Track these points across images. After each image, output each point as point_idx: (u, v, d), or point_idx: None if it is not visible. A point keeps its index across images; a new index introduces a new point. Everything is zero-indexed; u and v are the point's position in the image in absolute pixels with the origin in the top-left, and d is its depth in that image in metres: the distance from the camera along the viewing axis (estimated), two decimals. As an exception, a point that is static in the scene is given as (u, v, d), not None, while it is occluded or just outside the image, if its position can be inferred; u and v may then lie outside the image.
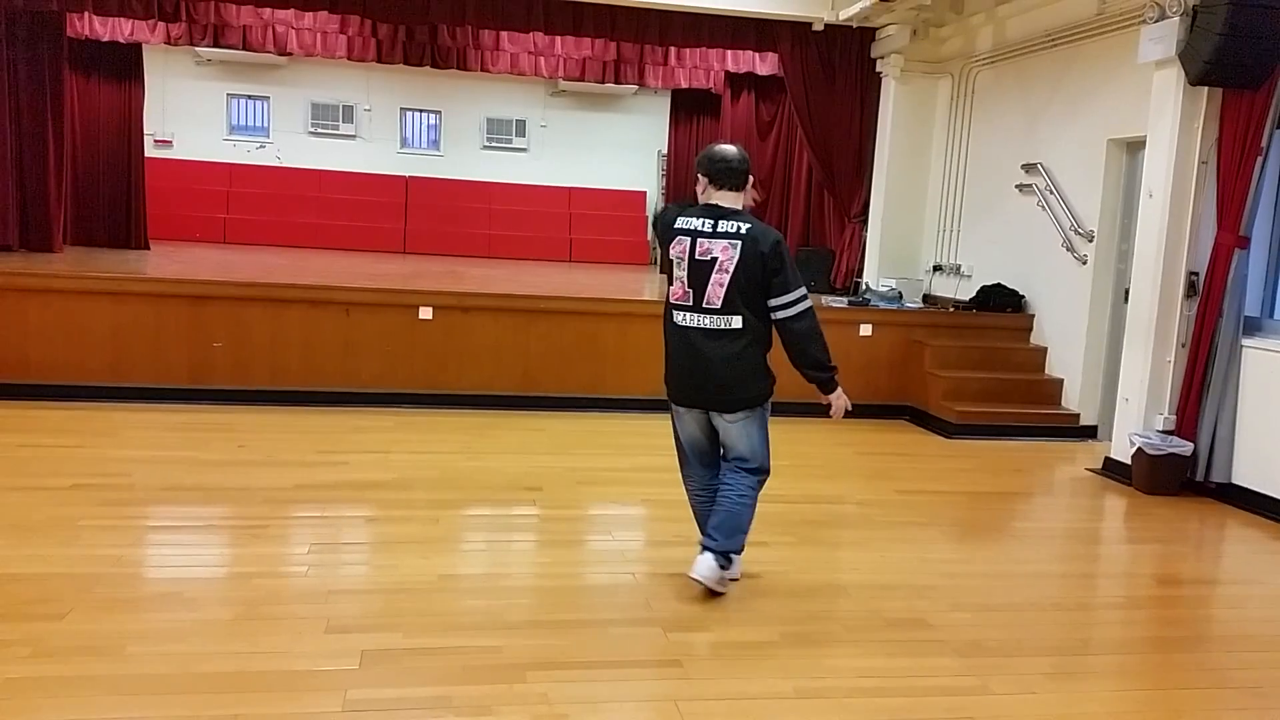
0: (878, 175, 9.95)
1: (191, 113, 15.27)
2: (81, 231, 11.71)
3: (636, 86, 13.81)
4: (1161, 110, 6.41)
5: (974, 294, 8.79)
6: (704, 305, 3.91)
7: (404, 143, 16.37)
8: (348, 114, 15.92)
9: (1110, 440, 7.05)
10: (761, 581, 4.27)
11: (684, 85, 12.81)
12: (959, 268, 9.44)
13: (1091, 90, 7.77)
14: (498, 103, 16.21)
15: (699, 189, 4.05)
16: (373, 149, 16.02)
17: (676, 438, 4.23)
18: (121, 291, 7.47)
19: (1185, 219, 6.35)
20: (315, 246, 14.56)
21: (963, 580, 4.57)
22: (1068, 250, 7.91)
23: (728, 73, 12.24)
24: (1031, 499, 6.56)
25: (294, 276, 9.13)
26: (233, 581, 4.14)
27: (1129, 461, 6.50)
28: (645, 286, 10.45)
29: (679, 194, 13.44)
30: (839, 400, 4.10)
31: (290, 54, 11.94)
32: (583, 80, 12.45)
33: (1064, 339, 8.07)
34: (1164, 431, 6.41)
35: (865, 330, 8.38)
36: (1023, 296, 8.53)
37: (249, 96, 15.69)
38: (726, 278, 3.86)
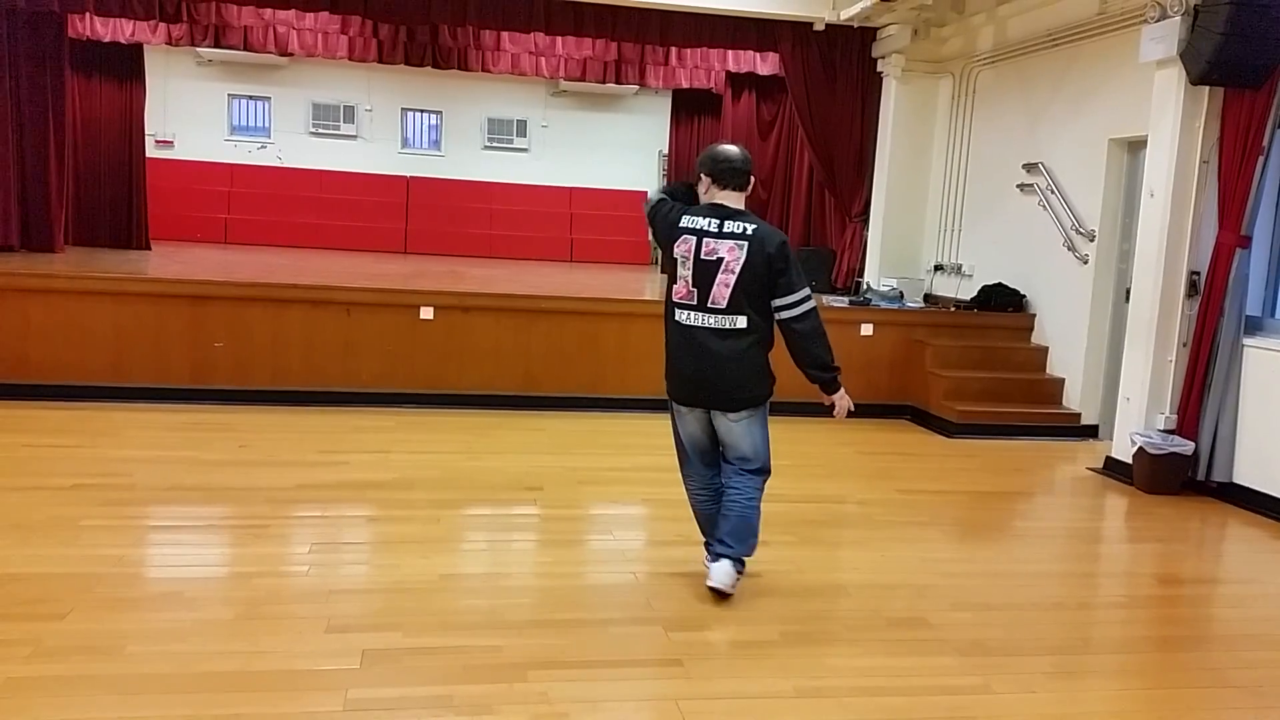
0: (879, 175, 9.95)
1: (193, 113, 15.28)
2: (83, 232, 11.72)
3: (637, 86, 13.81)
4: (1163, 110, 6.41)
5: (975, 293, 8.79)
6: (709, 305, 3.90)
7: (405, 143, 16.38)
8: (349, 114, 15.92)
9: (1111, 440, 7.05)
10: (762, 581, 4.27)
11: (685, 85, 12.82)
12: (960, 267, 9.44)
13: (1093, 90, 7.77)
14: (499, 103, 16.22)
15: (701, 189, 4.04)
16: (374, 149, 16.03)
17: (677, 437, 4.22)
18: (123, 292, 7.48)
19: (1186, 219, 6.35)
20: (316, 247, 14.56)
21: (964, 579, 4.57)
22: (1069, 250, 7.91)
23: (729, 72, 12.24)
24: (1032, 498, 6.56)
25: (295, 277, 9.12)
26: (233, 581, 4.14)
27: (1130, 461, 6.50)
28: (646, 286, 10.45)
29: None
30: (842, 400, 4.09)
31: (291, 54, 11.95)
32: (584, 80, 12.46)
33: (1065, 338, 8.07)
34: (1165, 431, 6.41)
35: (866, 330, 8.38)
36: (1024, 296, 8.52)
37: (250, 97, 15.70)
38: (732, 278, 3.85)
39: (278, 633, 3.55)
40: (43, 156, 10.29)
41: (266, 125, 15.82)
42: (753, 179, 4.09)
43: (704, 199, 4.02)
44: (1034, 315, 8.46)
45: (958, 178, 9.59)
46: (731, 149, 4.03)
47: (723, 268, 3.85)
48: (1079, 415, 7.87)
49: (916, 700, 3.32)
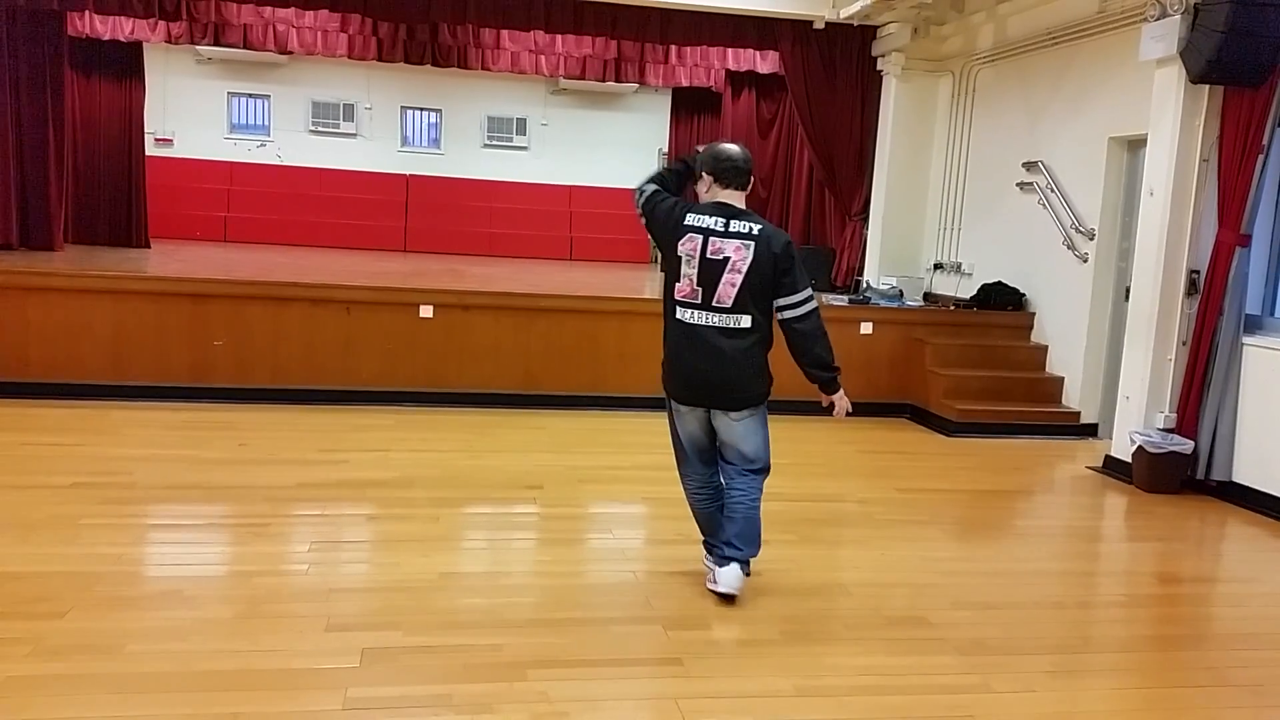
0: (879, 173, 9.95)
1: (192, 111, 15.27)
2: (82, 230, 11.71)
3: (637, 85, 13.79)
4: (1162, 108, 6.40)
5: (975, 292, 8.79)
6: (713, 304, 3.89)
7: (405, 141, 16.37)
8: (348, 112, 15.91)
9: (1111, 438, 7.05)
10: (762, 580, 4.26)
11: (685, 83, 12.81)
12: (960, 266, 9.44)
13: (1092, 88, 7.77)
14: (498, 101, 16.21)
15: (702, 188, 4.03)
16: (373, 147, 16.02)
17: (675, 436, 4.20)
18: (122, 290, 7.47)
19: (1186, 217, 6.35)
20: (316, 245, 14.56)
21: (963, 578, 4.57)
22: (1068, 248, 7.91)
23: (728, 71, 12.22)
24: (1032, 497, 6.56)
25: (295, 275, 9.12)
26: (233, 580, 4.14)
27: (1129, 460, 6.50)
28: (646, 285, 10.44)
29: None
30: (841, 400, 4.10)
31: (291, 52, 11.94)
32: (583, 78, 12.44)
33: (1065, 337, 8.07)
34: (1164, 430, 6.41)
35: (866, 328, 8.38)
36: (1023, 295, 8.52)
37: (250, 95, 15.69)
38: (739, 278, 3.85)
39: (277, 631, 3.55)
40: (42, 155, 10.27)
41: (266, 123, 15.81)
42: (752, 178, 4.10)
43: (705, 198, 4.02)
44: (1034, 314, 8.46)
45: (957, 176, 9.59)
46: (733, 148, 4.03)
47: (729, 267, 3.85)
48: (1078, 414, 7.87)
49: (916, 699, 3.32)
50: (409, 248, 15.34)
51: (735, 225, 3.89)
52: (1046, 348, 8.29)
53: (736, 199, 3.98)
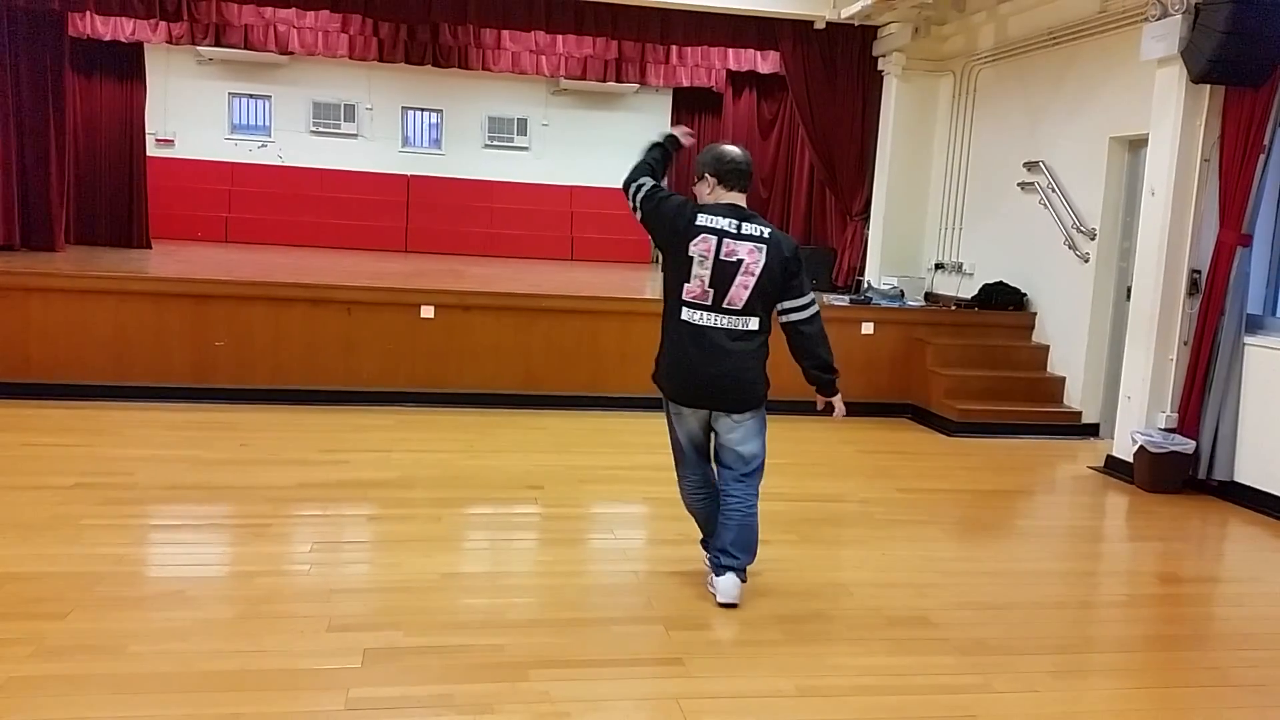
0: (879, 173, 9.94)
1: (193, 112, 15.26)
2: (83, 230, 11.71)
3: (638, 85, 13.80)
4: (1164, 108, 6.40)
5: (976, 292, 8.79)
6: (724, 306, 3.88)
7: (405, 141, 16.36)
8: (349, 113, 15.91)
9: (1112, 438, 7.05)
10: (763, 580, 4.26)
11: (685, 84, 12.82)
12: (961, 266, 9.44)
13: (1093, 88, 7.76)
14: (499, 101, 16.20)
15: (704, 189, 4.01)
16: (374, 148, 16.01)
17: (674, 437, 4.17)
18: (123, 290, 7.47)
19: (1187, 217, 6.35)
20: (317, 245, 14.55)
21: (965, 578, 4.57)
22: (1070, 248, 7.91)
23: (729, 71, 12.23)
24: (1033, 497, 6.56)
25: (296, 275, 9.12)
26: (235, 580, 4.14)
27: (1131, 459, 6.50)
28: (647, 285, 10.44)
29: (682, 192, 13.39)
30: (839, 401, 4.13)
31: (292, 53, 11.95)
32: (584, 79, 12.46)
33: (1066, 337, 8.06)
34: (1166, 429, 6.41)
35: (867, 328, 8.38)
36: (1024, 294, 8.52)
37: (250, 95, 15.68)
38: (752, 280, 3.85)
39: (279, 632, 3.55)
40: (43, 155, 10.28)
41: (267, 124, 15.80)
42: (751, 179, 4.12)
43: (707, 199, 4.00)
44: (1035, 314, 8.45)
45: (958, 176, 9.59)
46: (735, 150, 4.02)
47: (742, 269, 3.84)
48: (1080, 414, 7.87)
49: (918, 699, 3.32)
50: (410, 248, 15.34)
51: (747, 228, 3.89)
52: (1048, 347, 8.29)
53: (739, 201, 3.98)
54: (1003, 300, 8.53)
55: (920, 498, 5.97)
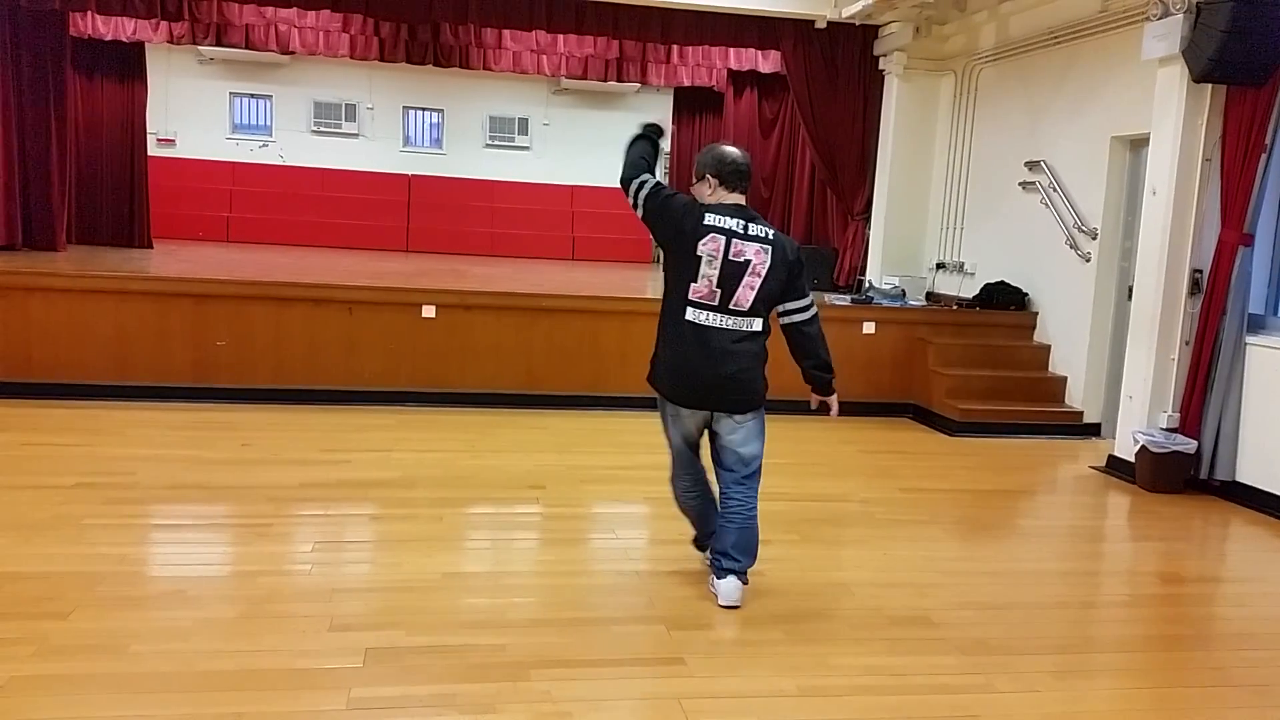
0: (880, 173, 9.94)
1: (194, 111, 15.28)
2: (84, 230, 11.71)
3: (639, 84, 13.78)
4: (1165, 107, 6.40)
5: (977, 292, 8.79)
6: (730, 306, 3.87)
7: (407, 141, 16.38)
8: (350, 112, 15.92)
9: (1114, 438, 7.04)
10: (765, 579, 4.26)
11: (686, 83, 12.80)
12: (962, 265, 9.43)
13: (1095, 87, 7.76)
14: (500, 101, 16.21)
15: (705, 190, 4.00)
16: (375, 147, 16.03)
17: (669, 438, 4.15)
18: (125, 290, 7.48)
19: (1189, 216, 6.34)
20: (318, 245, 14.57)
21: (966, 578, 4.57)
22: (1071, 248, 7.90)
23: (730, 70, 12.22)
24: (1035, 497, 6.55)
25: (297, 275, 9.13)
26: (236, 580, 4.14)
27: (1132, 459, 6.50)
28: (648, 285, 10.44)
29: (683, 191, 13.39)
30: (834, 400, 4.17)
31: (293, 53, 11.95)
32: (585, 78, 12.44)
33: (1067, 337, 8.06)
34: (1168, 429, 6.41)
35: (868, 328, 8.37)
36: (1026, 294, 8.52)
37: (252, 95, 15.70)
38: (758, 281, 3.86)
39: (280, 631, 3.55)
40: (44, 155, 10.28)
41: (268, 123, 15.82)
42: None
43: (708, 199, 3.98)
44: (1036, 313, 8.45)
45: (960, 176, 9.59)
46: (735, 151, 4.02)
47: (750, 270, 3.85)
48: (1081, 413, 7.87)
49: (919, 699, 3.32)
50: (411, 248, 15.35)
51: (754, 229, 3.90)
52: (1049, 347, 8.28)
53: (740, 201, 3.99)
54: (1004, 300, 8.53)
55: (921, 497, 5.97)
